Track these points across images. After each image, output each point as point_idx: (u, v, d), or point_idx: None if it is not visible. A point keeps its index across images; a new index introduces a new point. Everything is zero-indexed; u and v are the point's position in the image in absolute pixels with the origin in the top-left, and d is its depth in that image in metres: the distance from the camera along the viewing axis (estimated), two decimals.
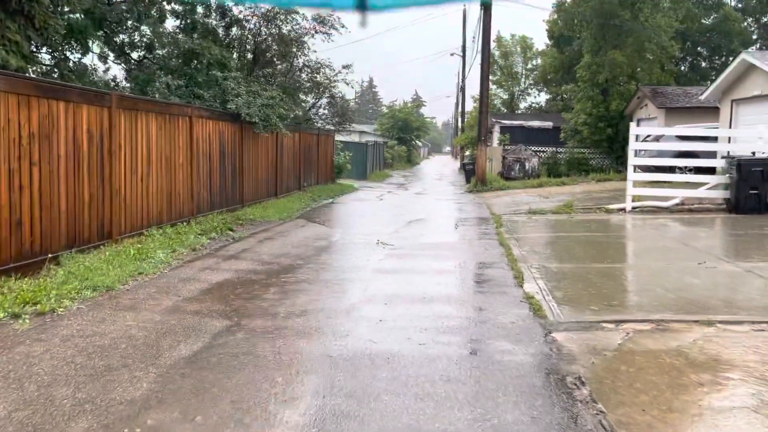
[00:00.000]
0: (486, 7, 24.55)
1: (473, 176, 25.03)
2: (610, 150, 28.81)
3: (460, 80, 55.72)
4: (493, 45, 30.76)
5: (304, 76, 22.77)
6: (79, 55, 15.23)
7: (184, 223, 11.48)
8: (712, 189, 14.72)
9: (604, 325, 5.88)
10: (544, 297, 6.92)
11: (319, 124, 24.92)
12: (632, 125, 15.66)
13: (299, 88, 22.68)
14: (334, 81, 23.56)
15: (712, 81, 24.70)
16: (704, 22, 36.33)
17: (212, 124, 13.36)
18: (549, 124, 36.37)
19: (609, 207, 14.89)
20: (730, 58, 33.12)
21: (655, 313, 6.18)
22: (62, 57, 15.01)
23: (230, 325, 5.91)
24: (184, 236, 10.32)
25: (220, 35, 19.23)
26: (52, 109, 7.79)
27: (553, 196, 18.66)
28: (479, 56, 26.14)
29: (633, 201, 14.67)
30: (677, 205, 14.73)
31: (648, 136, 20.39)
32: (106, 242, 9.01)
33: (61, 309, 6.13)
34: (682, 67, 36.64)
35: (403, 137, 55.45)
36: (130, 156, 9.83)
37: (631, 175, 14.73)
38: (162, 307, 6.45)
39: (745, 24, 37.49)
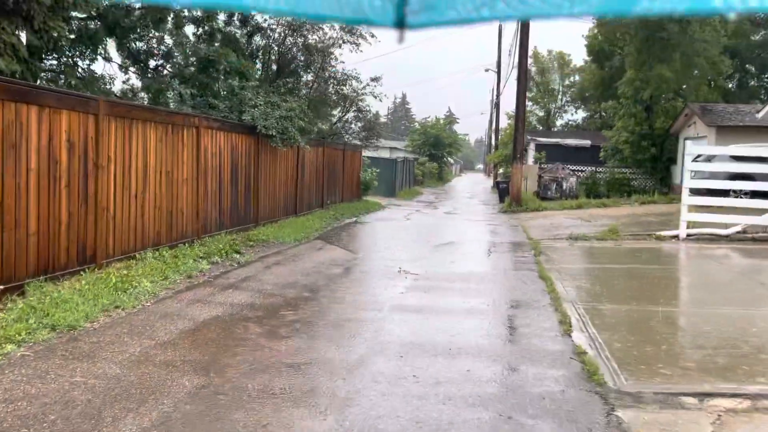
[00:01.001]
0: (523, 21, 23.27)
1: (507, 195, 23.61)
2: (653, 170, 27.12)
3: (495, 96, 54.30)
4: (529, 61, 29.26)
5: (330, 88, 21.66)
6: (88, 62, 14.33)
7: (186, 245, 10.33)
8: None
9: (684, 399, 4.51)
10: (599, 352, 5.56)
11: (345, 139, 23.77)
12: (688, 144, 14.21)
13: (325, 101, 21.57)
14: (362, 94, 22.38)
15: (762, 100, 23.01)
16: (753, 38, 34.50)
17: (224, 136, 12.26)
18: (587, 142, 34.74)
19: (660, 233, 13.35)
20: None
21: (749, 382, 4.78)
22: (71, 63, 14.14)
23: (202, 384, 4.68)
24: (181, 260, 9.16)
25: (242, 44, 18.25)
26: (20, 114, 6.71)
27: (594, 219, 17.15)
28: (515, 72, 24.86)
29: (688, 227, 13.13)
30: (739, 233, 13.13)
31: (699, 155, 18.75)
32: (88, 268, 7.88)
33: None
34: (730, 85, 34.75)
35: (435, 154, 54.04)
36: (122, 170, 8.72)
37: (686, 198, 13.17)
38: (126, 356, 5.25)
39: None
